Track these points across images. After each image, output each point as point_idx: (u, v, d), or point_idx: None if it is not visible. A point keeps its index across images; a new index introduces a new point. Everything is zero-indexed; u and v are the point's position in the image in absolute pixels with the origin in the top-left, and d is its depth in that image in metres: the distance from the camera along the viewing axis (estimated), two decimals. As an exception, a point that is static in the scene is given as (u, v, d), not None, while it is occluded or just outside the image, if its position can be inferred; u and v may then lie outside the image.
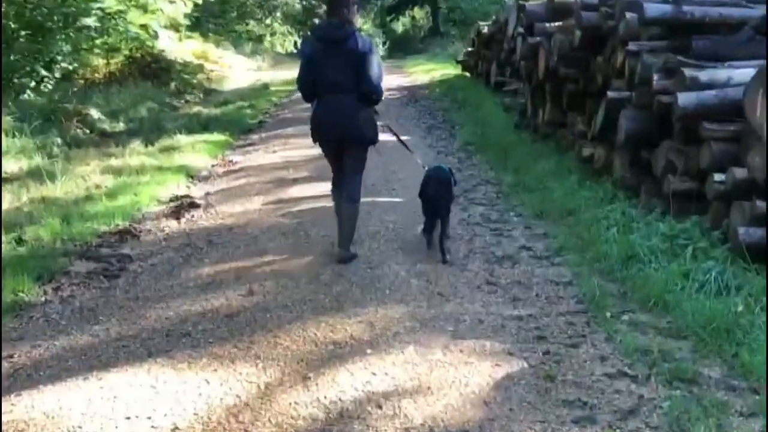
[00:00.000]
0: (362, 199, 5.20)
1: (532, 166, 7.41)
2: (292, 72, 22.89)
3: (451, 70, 19.92)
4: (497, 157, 8.16)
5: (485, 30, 14.45)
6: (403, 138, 6.04)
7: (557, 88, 7.77)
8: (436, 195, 5.05)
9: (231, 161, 8.95)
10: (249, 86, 17.67)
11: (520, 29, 9.33)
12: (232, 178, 8.06)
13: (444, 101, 13.69)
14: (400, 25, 46.37)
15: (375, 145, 5.06)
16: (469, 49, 17.04)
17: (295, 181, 7.69)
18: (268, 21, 32.98)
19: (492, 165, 7.98)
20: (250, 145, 10.16)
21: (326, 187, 7.25)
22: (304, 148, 9.58)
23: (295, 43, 36.56)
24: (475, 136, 9.65)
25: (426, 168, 5.39)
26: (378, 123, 5.00)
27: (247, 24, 30.63)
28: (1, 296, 4.41)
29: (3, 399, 3.31)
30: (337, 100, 4.86)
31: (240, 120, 12.24)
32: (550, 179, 6.82)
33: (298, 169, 8.32)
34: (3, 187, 6.70)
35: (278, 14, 33.80)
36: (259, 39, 31.60)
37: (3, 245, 5.29)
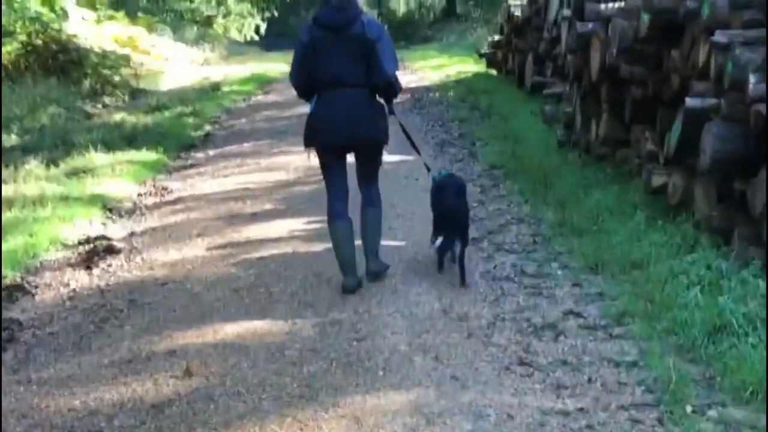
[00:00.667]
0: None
1: (583, 199, 7.44)
2: (253, 66, 23.33)
3: (472, 67, 20.16)
4: (534, 187, 8.21)
5: (518, 12, 14.68)
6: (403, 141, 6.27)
7: (617, 93, 7.85)
8: (455, 205, 5.73)
9: (165, 189, 8.99)
10: (193, 86, 17.83)
11: (566, 12, 9.46)
12: (167, 212, 8.07)
13: (461, 108, 13.82)
14: (401, 4, 46.99)
15: (404, 128, 5.85)
16: (496, 38, 17.30)
17: (254, 217, 7.71)
18: (220, -3, 33.40)
19: (527, 197, 8.02)
20: (192, 166, 10.22)
21: (297, 224, 7.32)
22: (268, 171, 9.64)
23: (258, 28, 36.96)
24: (503, 156, 9.73)
25: (433, 174, 6.13)
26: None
27: (190, 1, 31.07)
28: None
29: None
30: (342, 96, 5.34)
31: (179, 132, 12.33)
32: (607, 217, 6.85)
33: (259, 200, 8.34)
34: None
35: (234, -13, 34.22)
36: (208, 22, 31.98)
37: None
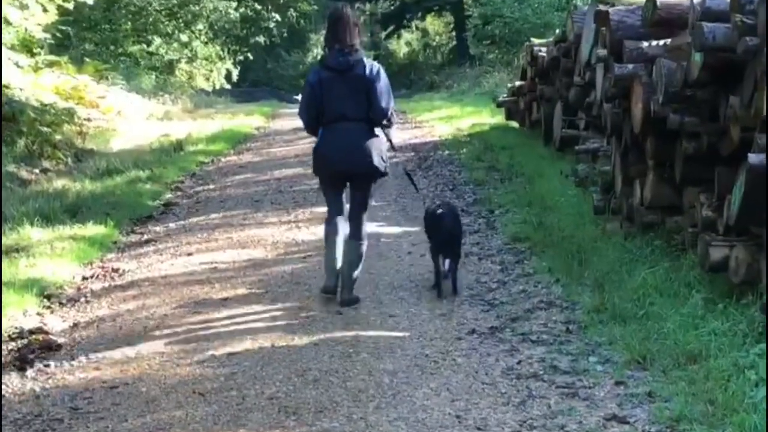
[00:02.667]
0: (341, 333, 6.34)
1: (626, 277, 7.44)
2: (223, 121, 23.50)
3: (488, 118, 20.32)
4: (566, 263, 8.21)
5: (543, 52, 14.86)
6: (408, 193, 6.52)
7: (665, 148, 7.90)
8: (452, 229, 7.70)
9: (115, 271, 8.99)
10: (150, 145, 17.95)
11: (601, 51, 9.57)
12: (117, 299, 8.06)
13: (476, 168, 13.90)
14: (402, 46, 47.59)
15: (386, 177, 7.83)
16: (518, 83, 17.49)
17: (225, 304, 7.70)
18: (184, 37, 33.81)
19: (558, 275, 8.02)
20: (148, 242, 10.24)
21: (277, 311, 7.35)
22: (241, 247, 9.66)
23: (229, 74, 37.38)
24: (528, 226, 9.75)
25: (427, 205, 8.07)
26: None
27: (147, 43, 31.45)
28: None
29: None
30: (344, 130, 7.40)
31: (133, 201, 12.38)
32: (655, 300, 6.83)
33: (230, 283, 8.34)
34: None
35: (201, 26, 34.66)
36: (169, 68, 32.34)
37: None
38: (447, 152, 16.10)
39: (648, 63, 8.01)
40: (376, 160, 7.44)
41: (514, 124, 18.01)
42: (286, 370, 6.09)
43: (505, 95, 18.99)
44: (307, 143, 18.83)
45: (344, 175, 7.57)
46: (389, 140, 7.65)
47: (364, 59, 7.47)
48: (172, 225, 11.16)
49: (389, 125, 7.61)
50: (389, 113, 7.50)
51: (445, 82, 35.71)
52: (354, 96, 7.35)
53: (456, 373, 5.90)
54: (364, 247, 7.65)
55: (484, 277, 8.24)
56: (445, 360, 6.14)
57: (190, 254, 9.58)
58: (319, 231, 9.89)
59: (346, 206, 7.72)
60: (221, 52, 36.51)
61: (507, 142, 15.99)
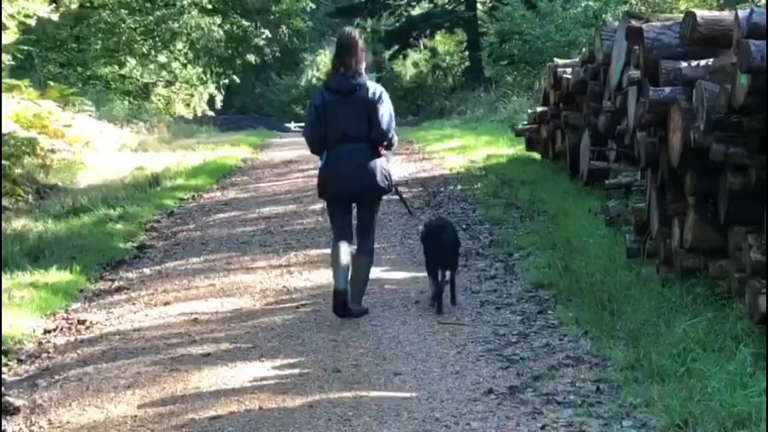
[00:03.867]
0: (339, 394, 6.49)
1: (664, 330, 7.41)
2: (205, 152, 23.53)
3: (506, 149, 20.35)
4: (596, 314, 8.19)
5: (568, 74, 14.91)
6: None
7: (707, 183, 7.89)
8: (447, 243, 8.76)
9: (82, 323, 8.97)
10: (122, 180, 17.98)
11: (634, 73, 9.60)
12: (84, 355, 8.04)
13: (493, 206, 13.90)
14: (408, 67, 47.70)
15: (399, 191, 9.10)
16: (539, 109, 17.55)
17: (206, 360, 7.68)
18: (161, 58, 33.95)
19: (587, 327, 7.99)
20: (120, 290, 10.22)
21: (265, 369, 7.32)
22: (225, 295, 9.65)
23: (212, 100, 37.48)
24: (552, 272, 9.73)
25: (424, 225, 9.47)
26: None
27: (120, 65, 31.55)
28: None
29: None
30: (348, 151, 8.49)
31: (102, 244, 12.37)
32: (698, 356, 6.80)
33: (213, 337, 8.32)
34: None
35: (181, 46, 34.78)
36: (145, 92, 32.44)
37: None
38: (459, 187, 16.10)
39: (687, 86, 8.02)
40: (380, 180, 8.56)
41: (536, 155, 18.03)
42: (276, 436, 6.07)
43: (524, 123, 19.03)
44: (300, 177, 18.96)
45: (349, 195, 8.72)
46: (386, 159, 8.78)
47: (368, 82, 8.57)
48: (146, 270, 11.14)
49: (389, 147, 8.74)
50: (390, 136, 8.60)
51: (456, 107, 35.81)
52: (357, 118, 8.44)
53: (470, 440, 5.88)
54: (372, 262, 8.90)
55: (503, 329, 8.21)
56: (458, 425, 6.10)
57: (167, 304, 9.56)
58: (314, 277, 9.95)
59: (352, 230, 8.85)
60: (203, 75, 36.65)
61: (527, 176, 15.99)
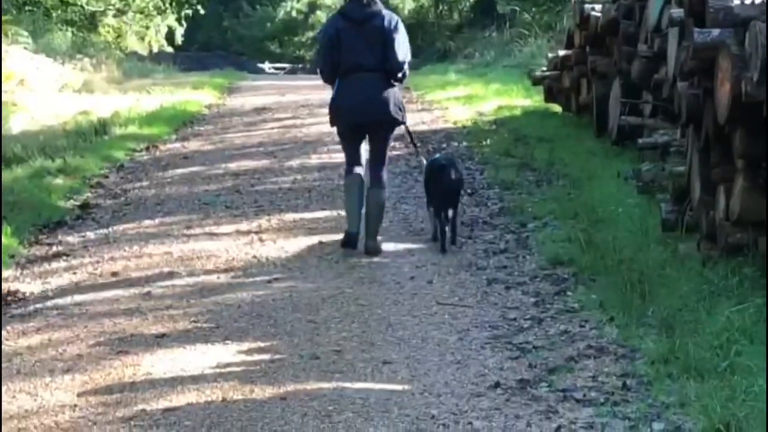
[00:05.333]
0: (317, 384, 6.48)
1: (704, 317, 7.42)
2: (163, 95, 23.41)
3: (520, 99, 20.31)
4: (624, 297, 8.19)
5: (597, 12, 14.87)
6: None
7: (759, 144, 7.88)
8: (452, 180, 9.93)
9: (12, 294, 8.95)
10: (64, 126, 17.91)
11: (676, 12, 9.57)
12: (14, 333, 8.02)
13: (504, 166, 13.91)
14: (406, 1, 47.59)
15: (406, 125, 10.30)
16: (561, 53, 17.52)
17: (160, 342, 7.68)
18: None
19: (613, 313, 8.00)
20: (58, 256, 10.21)
21: (230, 353, 7.31)
22: (183, 265, 9.63)
23: (172, 34, 37.32)
24: (573, 246, 9.74)
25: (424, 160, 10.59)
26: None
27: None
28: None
29: None
30: (361, 80, 9.65)
31: (38, 202, 12.34)
32: (744, 348, 6.81)
33: (168, 314, 8.32)
34: None
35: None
36: (91, 22, 32.29)
37: None
38: (465, 144, 16.11)
39: (739, 28, 7.99)
40: (393, 110, 9.72)
41: (556, 107, 18.02)
42: (241, 432, 6.08)
43: (543, 69, 18.99)
44: (275, 127, 18.94)
45: (362, 125, 9.89)
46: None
47: (384, 11, 9.77)
48: (90, 234, 11.12)
49: (403, 79, 9.94)
50: (405, 68, 9.78)
51: (463, 49, 35.73)
52: (371, 47, 9.62)
53: (474, 440, 5.89)
54: (386, 194, 10.23)
55: (513, 313, 8.24)
56: (458, 423, 6.11)
57: (114, 274, 9.55)
58: (289, 246, 9.96)
59: (365, 156, 10.06)
60: (161, 3, 36.46)
61: (546, 132, 15.98)
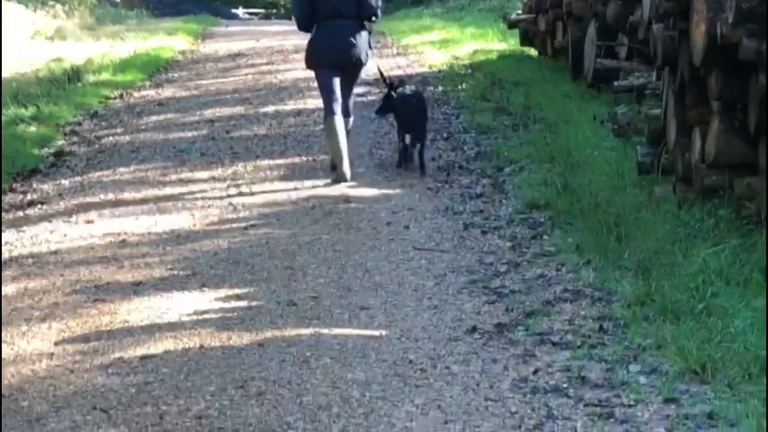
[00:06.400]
0: (295, 331, 6.66)
1: (680, 259, 7.45)
2: (136, 42, 23.28)
3: (496, 44, 20.29)
4: (600, 239, 8.22)
5: (573, -47, 14.82)
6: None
7: (735, 86, 7.88)
8: (419, 108, 11.17)
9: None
10: (36, 72, 17.81)
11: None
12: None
13: (480, 110, 13.93)
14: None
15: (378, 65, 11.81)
16: (536, -5, 17.44)
17: (137, 290, 7.70)
18: None
19: (589, 256, 8.04)
20: (33, 204, 10.23)
21: (208, 300, 7.33)
22: (160, 213, 9.63)
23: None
24: (549, 189, 9.76)
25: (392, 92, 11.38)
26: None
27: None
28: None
29: None
30: (336, 26, 10.77)
31: (11, 150, 12.29)
32: (720, 290, 6.85)
33: (144, 261, 8.34)
34: None
35: None
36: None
37: None
38: (441, 88, 16.12)
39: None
40: (363, 55, 10.93)
41: (532, 51, 18.01)
42: (219, 379, 6.09)
43: (519, 12, 18.99)
44: (250, 73, 18.90)
45: (337, 65, 10.92)
46: (369, 32, 11.23)
47: None
48: (65, 182, 11.11)
49: (376, 21, 11.34)
50: (377, 11, 11.13)
51: (438, -7, 35.60)
52: None
53: (450, 386, 5.92)
54: (352, 121, 11.38)
55: (489, 257, 8.27)
56: (435, 368, 6.15)
57: (89, 222, 9.55)
58: (266, 192, 9.96)
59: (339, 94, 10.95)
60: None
61: (522, 76, 15.98)
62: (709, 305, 6.69)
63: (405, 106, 11.10)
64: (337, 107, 10.90)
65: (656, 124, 9.52)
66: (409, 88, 11.77)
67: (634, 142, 10.08)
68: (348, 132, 11.08)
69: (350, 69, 11.05)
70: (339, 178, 10.68)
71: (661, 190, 9.03)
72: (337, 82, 11.00)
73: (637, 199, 9.03)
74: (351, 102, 11.43)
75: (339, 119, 10.82)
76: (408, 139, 11.12)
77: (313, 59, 11.11)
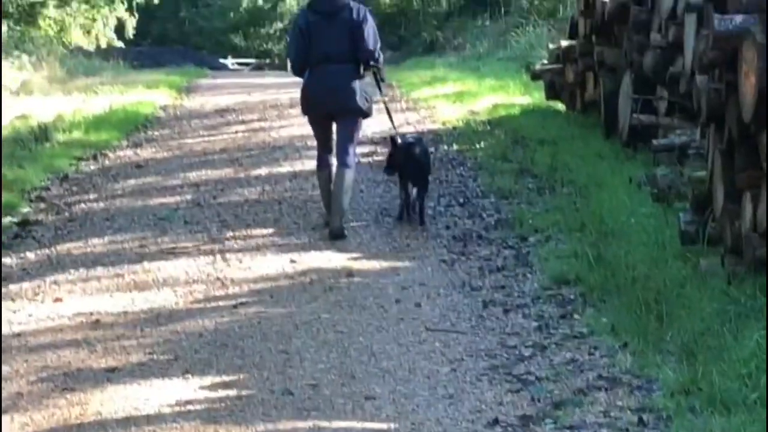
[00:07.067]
0: (291, 424, 6.57)
1: (729, 342, 7.42)
2: (112, 96, 23.39)
3: (518, 96, 20.35)
4: (639, 319, 8.21)
5: (604, -3, 14.88)
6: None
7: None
8: (422, 158, 11.78)
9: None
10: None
11: (693, -5, 9.59)
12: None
13: (501, 172, 13.96)
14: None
15: (385, 102, 12.46)
16: (564, 43, 17.56)
17: (111, 377, 7.67)
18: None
19: (626, 338, 8.02)
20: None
21: (191, 390, 7.29)
22: (137, 289, 9.62)
23: (122, 26, 37.35)
24: (580, 263, 9.76)
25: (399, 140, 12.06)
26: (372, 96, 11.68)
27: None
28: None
29: None
30: (329, 71, 11.24)
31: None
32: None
33: (119, 344, 8.34)
34: None
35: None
36: (30, 15, 32.27)
37: None
38: (456, 147, 16.17)
39: (765, 13, 8.00)
40: (360, 101, 11.32)
41: (559, 105, 18.07)
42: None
43: (544, 62, 19.03)
44: (240, 131, 18.95)
45: (329, 114, 11.51)
46: (380, 80, 12.12)
47: (351, 3, 11.36)
48: (30, 255, 11.10)
49: (377, 65, 11.75)
50: (376, 54, 11.51)
51: (452, 40, 35.88)
52: (340, 39, 11.23)
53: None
54: (353, 174, 11.55)
55: (513, 339, 8.24)
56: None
57: (58, 300, 9.53)
58: (257, 265, 9.93)
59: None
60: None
61: (547, 134, 16.02)
62: (763, 395, 6.64)
63: (407, 153, 11.70)
64: (329, 158, 11.55)
65: (701, 188, 9.52)
66: (411, 137, 12.79)
67: (676, 208, 10.07)
68: (347, 184, 11.32)
69: (344, 117, 11.52)
70: (333, 233, 11.10)
71: (708, 262, 8.99)
72: (329, 131, 11.67)
73: (680, 273, 8.99)
74: (352, 151, 11.65)
75: (330, 171, 11.45)
76: (410, 187, 11.72)
77: (304, 106, 11.81)
